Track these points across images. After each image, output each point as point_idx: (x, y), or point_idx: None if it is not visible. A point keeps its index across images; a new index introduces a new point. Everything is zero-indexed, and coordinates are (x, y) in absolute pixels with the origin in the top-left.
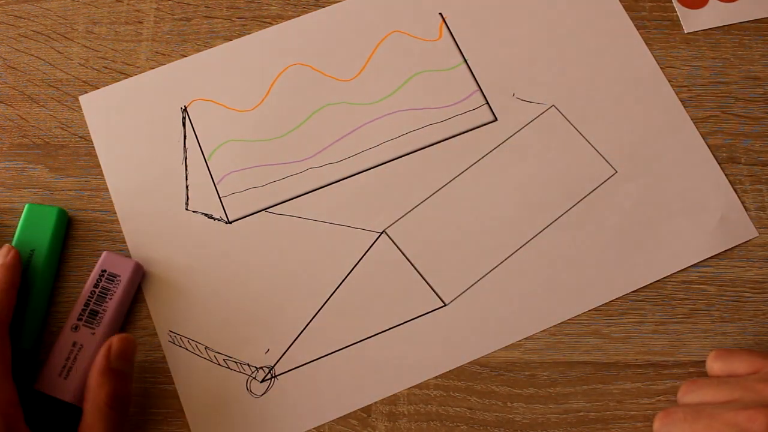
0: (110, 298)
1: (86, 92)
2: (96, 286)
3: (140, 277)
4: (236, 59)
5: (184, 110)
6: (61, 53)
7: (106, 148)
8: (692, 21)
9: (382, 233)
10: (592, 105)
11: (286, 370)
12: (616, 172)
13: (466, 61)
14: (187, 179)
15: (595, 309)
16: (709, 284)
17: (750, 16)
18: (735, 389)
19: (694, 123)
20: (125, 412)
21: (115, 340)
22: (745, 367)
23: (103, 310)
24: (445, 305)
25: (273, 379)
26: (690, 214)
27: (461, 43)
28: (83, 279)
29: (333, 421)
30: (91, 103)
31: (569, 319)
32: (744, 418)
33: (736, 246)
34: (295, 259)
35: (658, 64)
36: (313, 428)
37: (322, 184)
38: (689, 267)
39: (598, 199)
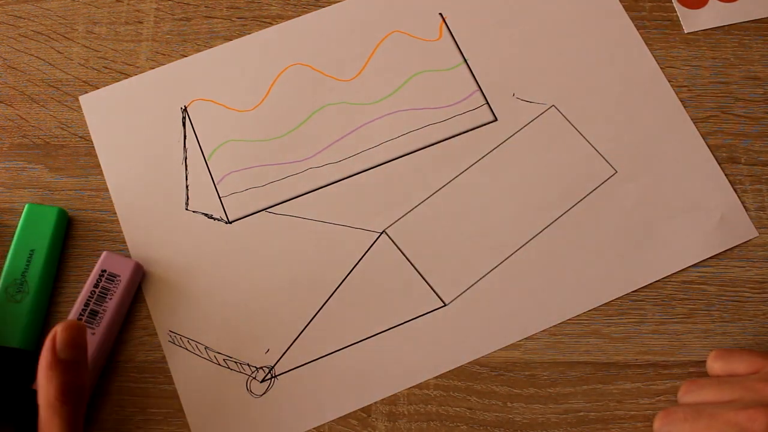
0: (110, 298)
1: (86, 92)
2: (96, 286)
3: (140, 277)
4: (236, 59)
5: (184, 110)
6: (61, 53)
7: (106, 148)
8: (692, 21)
9: (382, 233)
10: (592, 105)
11: (286, 370)
12: (616, 172)
13: (466, 61)
14: (187, 179)
15: (595, 309)
16: (709, 284)
17: (750, 16)
18: (735, 389)
19: (694, 123)
20: (81, 403)
21: (59, 329)
22: (745, 366)
23: (103, 310)
24: (445, 305)
25: (273, 379)
26: (690, 214)
27: (461, 43)
28: (83, 279)
29: (333, 421)
30: (91, 103)
31: (569, 319)
32: (744, 417)
33: (736, 246)
34: (295, 259)
35: (658, 64)
36: (313, 428)
37: (322, 184)
38: (689, 267)
39: (598, 199)
